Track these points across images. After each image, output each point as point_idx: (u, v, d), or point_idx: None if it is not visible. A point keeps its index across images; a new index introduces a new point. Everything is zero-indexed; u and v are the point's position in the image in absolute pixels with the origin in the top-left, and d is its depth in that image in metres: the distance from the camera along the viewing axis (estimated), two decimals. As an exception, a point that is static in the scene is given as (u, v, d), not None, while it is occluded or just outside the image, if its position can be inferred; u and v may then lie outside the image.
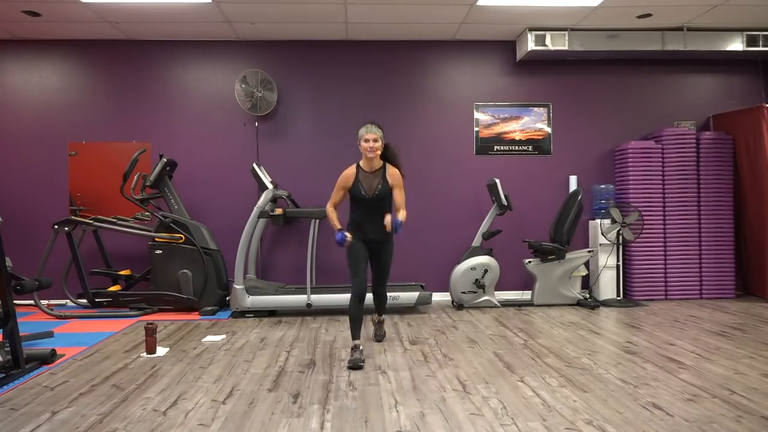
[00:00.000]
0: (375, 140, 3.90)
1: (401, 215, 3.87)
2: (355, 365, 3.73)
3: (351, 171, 4.01)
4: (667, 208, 6.29)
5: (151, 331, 4.13)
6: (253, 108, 6.20)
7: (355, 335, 3.97)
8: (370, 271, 4.18)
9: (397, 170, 4.02)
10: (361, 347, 3.93)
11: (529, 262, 6.04)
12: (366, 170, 4.00)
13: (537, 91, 6.65)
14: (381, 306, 4.46)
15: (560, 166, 6.63)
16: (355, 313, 3.97)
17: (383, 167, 4.01)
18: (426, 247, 6.54)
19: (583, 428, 2.70)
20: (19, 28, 6.07)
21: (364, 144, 3.91)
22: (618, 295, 6.15)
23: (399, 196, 3.96)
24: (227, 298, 5.98)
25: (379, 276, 4.25)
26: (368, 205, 3.97)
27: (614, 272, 6.20)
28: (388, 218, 3.83)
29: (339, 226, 3.92)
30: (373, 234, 4.00)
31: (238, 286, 5.53)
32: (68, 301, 6.05)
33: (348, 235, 3.87)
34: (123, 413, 2.95)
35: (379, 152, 3.94)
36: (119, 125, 6.44)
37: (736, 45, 6.21)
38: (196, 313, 5.71)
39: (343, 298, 5.55)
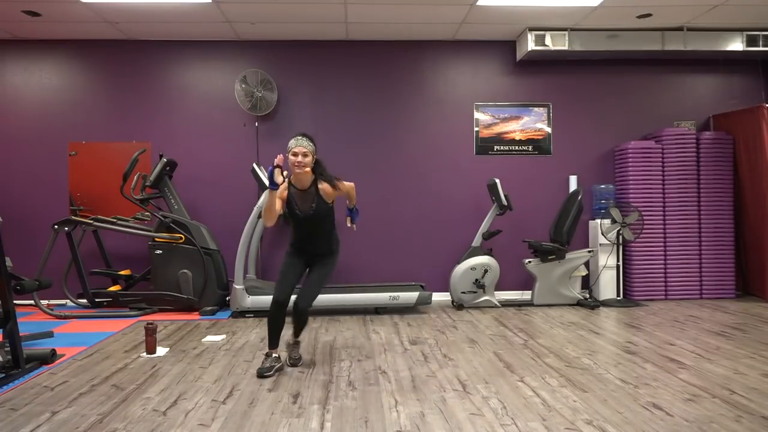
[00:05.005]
0: (305, 155, 3.52)
1: (351, 203, 3.88)
2: (261, 374, 3.53)
3: (284, 185, 3.62)
4: (667, 208, 6.29)
5: (151, 331, 4.13)
6: (253, 108, 6.20)
7: (272, 343, 3.71)
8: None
9: (328, 185, 3.62)
10: (275, 356, 3.68)
11: (529, 262, 6.04)
12: (297, 187, 3.62)
13: (537, 91, 6.65)
14: (299, 325, 3.85)
15: (560, 166, 6.63)
16: (273, 319, 3.68)
17: (314, 183, 3.61)
18: (426, 247, 6.54)
19: (583, 428, 2.70)
20: (19, 28, 6.07)
21: (291, 158, 3.53)
22: (618, 295, 6.15)
23: (351, 198, 3.86)
24: (227, 298, 5.98)
25: (306, 288, 3.72)
26: (305, 225, 3.67)
27: (614, 272, 6.20)
28: (348, 222, 3.91)
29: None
30: (314, 252, 3.78)
31: (238, 286, 5.53)
32: (68, 301, 6.05)
33: (277, 160, 3.46)
34: (123, 413, 2.95)
35: (307, 168, 3.54)
36: (119, 125, 6.44)
37: (736, 45, 6.21)
38: (196, 313, 5.71)
39: (343, 298, 5.58)
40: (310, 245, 3.76)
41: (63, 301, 6.17)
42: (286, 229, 6.44)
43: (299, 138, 3.58)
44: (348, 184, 3.80)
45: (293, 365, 3.82)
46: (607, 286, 6.23)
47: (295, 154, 3.53)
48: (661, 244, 6.28)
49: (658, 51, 6.24)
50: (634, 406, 2.98)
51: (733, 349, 4.15)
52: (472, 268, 5.88)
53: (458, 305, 5.94)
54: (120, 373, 3.69)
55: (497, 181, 6.00)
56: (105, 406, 3.06)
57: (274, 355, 3.71)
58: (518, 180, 6.55)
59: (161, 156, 5.92)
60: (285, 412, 2.96)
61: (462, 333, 4.80)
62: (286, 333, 3.83)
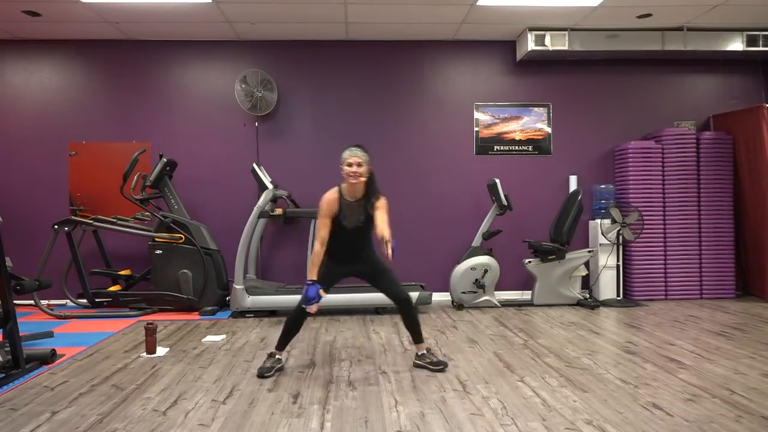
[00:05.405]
0: (359, 164, 3.50)
1: (387, 233, 3.38)
2: (261, 374, 3.55)
3: (334, 196, 3.59)
4: (667, 208, 6.29)
5: (151, 331, 4.13)
6: (253, 108, 6.20)
7: (281, 345, 3.71)
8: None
9: (374, 202, 3.60)
10: (278, 357, 3.70)
11: (529, 262, 6.04)
12: (349, 199, 3.59)
13: (537, 91, 6.65)
14: (413, 327, 3.73)
15: (560, 166, 6.63)
16: (294, 321, 3.67)
17: (365, 196, 3.60)
18: (426, 247, 6.54)
19: (583, 428, 2.70)
20: (19, 28, 6.07)
21: (346, 168, 3.52)
22: (618, 295, 6.15)
23: (380, 217, 3.51)
24: (227, 298, 5.98)
25: (392, 285, 3.72)
26: (349, 237, 3.63)
27: (614, 272, 6.20)
28: (389, 252, 3.33)
29: (315, 277, 3.51)
30: (355, 262, 3.72)
31: (238, 286, 5.53)
32: (68, 301, 6.05)
33: (322, 292, 3.50)
34: (123, 413, 2.95)
35: (363, 179, 3.53)
36: (119, 125, 6.44)
37: (736, 45, 6.21)
38: (196, 313, 5.71)
39: (344, 298, 5.58)
40: (353, 254, 3.70)
41: (63, 301, 6.17)
42: (286, 229, 6.44)
43: (353, 149, 3.56)
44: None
45: (441, 369, 3.66)
46: (607, 286, 6.23)
47: (350, 164, 3.51)
48: (661, 244, 6.27)
49: (658, 51, 6.24)
50: (634, 406, 2.98)
51: (733, 349, 4.15)
52: (472, 268, 5.88)
53: (458, 305, 5.94)
54: (120, 373, 3.69)
55: (497, 181, 6.00)
56: (105, 406, 3.06)
57: (277, 356, 3.71)
58: (518, 180, 6.55)
59: (161, 156, 5.92)
60: (285, 412, 2.96)
61: (462, 333, 4.80)
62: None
